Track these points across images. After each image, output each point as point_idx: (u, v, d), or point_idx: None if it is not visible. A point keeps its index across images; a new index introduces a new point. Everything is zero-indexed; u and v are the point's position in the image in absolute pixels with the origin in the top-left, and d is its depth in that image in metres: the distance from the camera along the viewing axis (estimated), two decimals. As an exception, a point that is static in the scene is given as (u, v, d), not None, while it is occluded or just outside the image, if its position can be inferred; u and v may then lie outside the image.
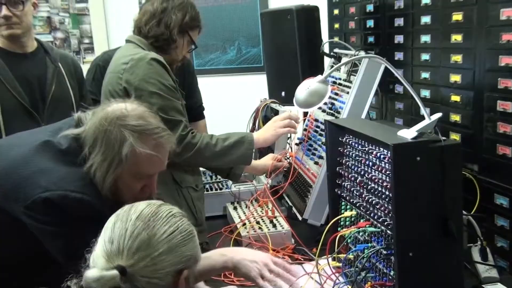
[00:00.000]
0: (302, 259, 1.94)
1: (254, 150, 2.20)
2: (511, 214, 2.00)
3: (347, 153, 1.76)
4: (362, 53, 2.21)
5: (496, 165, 2.03)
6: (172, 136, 1.55)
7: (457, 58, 2.13)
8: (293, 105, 2.53)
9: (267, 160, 2.38)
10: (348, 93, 2.09)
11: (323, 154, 2.12)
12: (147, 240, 1.00)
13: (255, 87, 3.70)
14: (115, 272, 0.95)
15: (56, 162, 1.44)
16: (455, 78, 2.21)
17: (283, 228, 2.09)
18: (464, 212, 1.96)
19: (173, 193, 2.08)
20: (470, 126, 2.16)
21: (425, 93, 2.45)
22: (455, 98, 2.22)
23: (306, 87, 1.64)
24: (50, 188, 1.37)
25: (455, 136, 2.24)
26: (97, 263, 0.99)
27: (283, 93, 2.89)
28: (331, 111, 2.17)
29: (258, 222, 2.16)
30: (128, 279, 0.95)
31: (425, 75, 2.42)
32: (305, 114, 2.65)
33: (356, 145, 1.70)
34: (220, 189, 2.62)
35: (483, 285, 1.54)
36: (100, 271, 0.96)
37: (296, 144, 2.48)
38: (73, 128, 1.49)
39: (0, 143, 1.70)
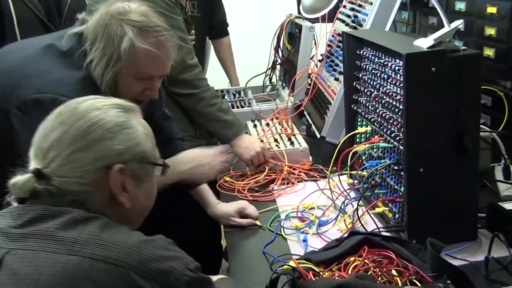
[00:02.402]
0: (318, 176, 1.92)
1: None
2: (539, 132, 1.90)
3: (364, 66, 1.67)
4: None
5: (528, 80, 1.90)
6: (175, 37, 1.49)
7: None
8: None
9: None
10: (371, 4, 1.96)
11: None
12: (58, 138, 0.94)
13: (283, 2, 3.54)
14: (29, 175, 0.93)
15: (55, 64, 1.41)
16: (492, -13, 2.05)
17: (300, 145, 2.05)
18: (489, 129, 1.88)
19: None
20: (505, 40, 2.02)
21: (460, 5, 2.29)
22: (491, 9, 2.06)
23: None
24: (42, 90, 1.35)
25: (488, 52, 2.10)
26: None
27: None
28: (354, 24, 2.05)
29: (276, 140, 2.13)
30: (44, 180, 0.92)
31: (460, -14, 2.24)
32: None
33: (373, 57, 1.61)
34: (242, 107, 2.59)
35: (501, 203, 1.48)
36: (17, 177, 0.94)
37: (319, 60, 2.39)
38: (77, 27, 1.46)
39: (11, 46, 1.68)
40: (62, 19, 2.24)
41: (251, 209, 1.66)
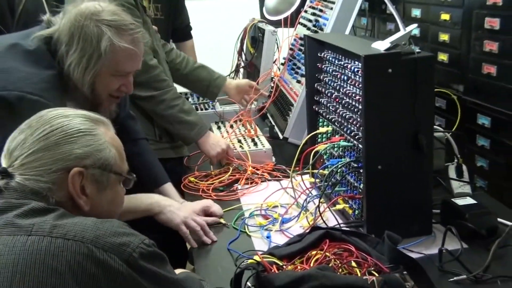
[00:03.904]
0: (281, 176, 1.96)
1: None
2: (492, 134, 2.00)
3: (325, 68, 1.73)
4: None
5: (480, 84, 2.00)
6: (147, 33, 1.52)
7: (447, -26, 2.05)
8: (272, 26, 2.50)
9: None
10: (332, 9, 2.02)
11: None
12: (23, 140, 1.00)
13: (245, 7, 3.60)
14: None
15: (21, 63, 1.40)
16: (445, -5, 2.15)
17: (264, 146, 2.09)
18: (442, 129, 1.97)
19: None
20: (458, 45, 2.12)
21: (416, 12, 2.39)
22: (445, 16, 2.16)
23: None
24: (7, 87, 1.33)
25: (443, 56, 2.21)
26: None
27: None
28: (315, 28, 2.11)
29: (239, 141, 2.16)
30: (7, 178, 0.97)
31: (416, -6, 2.35)
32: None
33: (333, 60, 1.66)
34: (206, 109, 2.61)
35: (453, 199, 1.55)
36: None
37: (282, 64, 2.44)
38: (44, 30, 1.46)
39: None
40: (14, 20, 2.18)
41: (216, 208, 1.69)
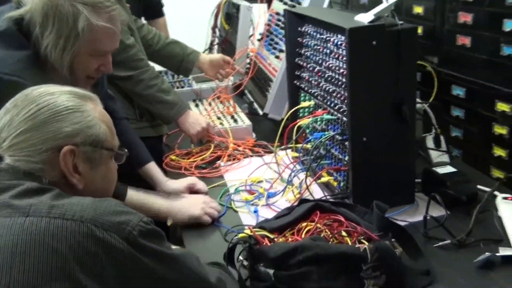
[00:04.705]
0: (263, 152, 1.97)
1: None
2: (466, 104, 2.05)
3: (306, 43, 1.74)
4: None
5: (455, 56, 2.04)
6: (123, 10, 1.48)
7: None
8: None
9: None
10: (309, -17, 2.02)
11: (284, 48, 2.08)
12: (9, 121, 0.98)
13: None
14: None
15: None
16: (420, -33, 2.17)
17: (244, 122, 2.10)
18: (420, 101, 2.01)
19: None
20: (432, 18, 2.15)
21: (391, -15, 2.40)
22: (419, -11, 2.18)
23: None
24: None
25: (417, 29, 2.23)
26: None
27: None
28: (292, 3, 2.10)
29: (219, 118, 2.16)
30: None
31: (389, -36, 2.35)
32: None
33: (315, 33, 1.67)
34: (182, 87, 2.59)
35: (433, 168, 1.59)
36: None
37: (258, 40, 2.43)
38: (14, 10, 1.40)
39: None
40: None
41: (201, 185, 1.69)
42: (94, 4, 1.38)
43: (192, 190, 1.68)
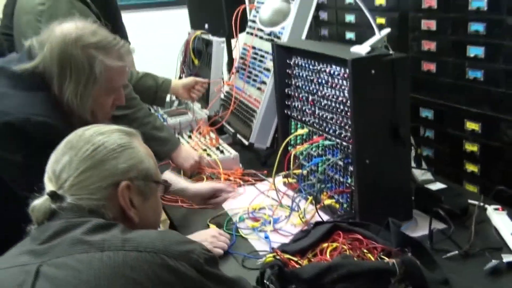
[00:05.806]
0: (253, 181, 2.03)
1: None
2: (435, 125, 2.21)
3: (296, 74, 1.82)
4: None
5: (421, 81, 2.20)
6: (128, 43, 1.54)
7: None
8: (217, 37, 2.57)
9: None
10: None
11: (265, 80, 2.17)
12: (69, 161, 1.02)
13: (176, 21, 3.62)
14: (45, 197, 0.99)
15: (13, 88, 1.36)
16: (380, 1, 2.33)
17: (230, 153, 2.15)
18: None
19: None
20: (395, 47, 2.30)
21: (350, 18, 2.56)
22: (380, 20, 2.33)
23: (270, 7, 1.65)
24: (10, 112, 1.30)
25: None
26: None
27: (206, 25, 2.87)
28: (269, 37, 2.20)
29: (205, 150, 2.20)
30: (59, 200, 0.98)
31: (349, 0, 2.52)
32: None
33: (305, 65, 1.76)
34: (158, 122, 2.60)
35: (425, 185, 1.71)
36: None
37: (233, 72, 2.50)
38: (26, 61, 1.41)
39: None
40: None
41: (223, 185, 1.82)
42: (105, 47, 1.43)
43: (218, 194, 1.77)
